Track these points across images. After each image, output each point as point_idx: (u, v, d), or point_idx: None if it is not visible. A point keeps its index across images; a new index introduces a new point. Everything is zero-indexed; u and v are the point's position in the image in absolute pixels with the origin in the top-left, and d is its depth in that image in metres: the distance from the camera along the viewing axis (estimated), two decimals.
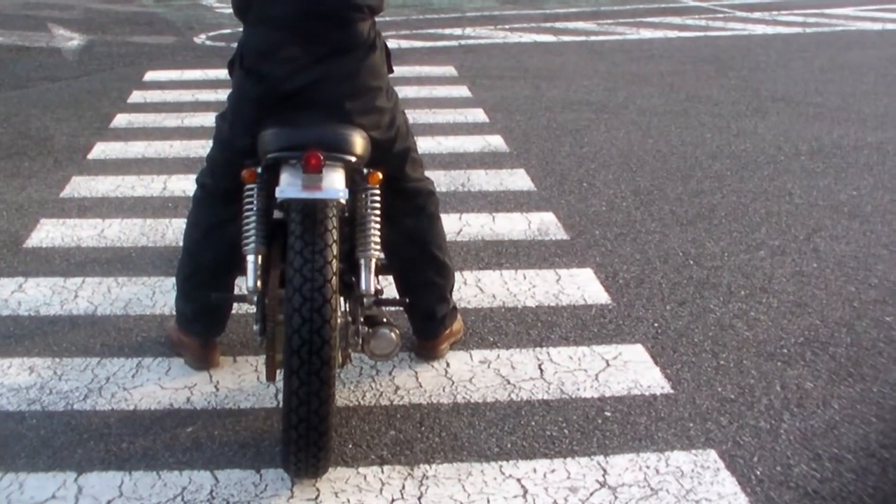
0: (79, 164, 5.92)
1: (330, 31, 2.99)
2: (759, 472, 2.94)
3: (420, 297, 3.45)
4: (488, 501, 2.82)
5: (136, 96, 7.61)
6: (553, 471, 2.96)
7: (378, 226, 3.00)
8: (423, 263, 3.42)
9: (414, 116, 6.75)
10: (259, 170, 2.93)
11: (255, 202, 2.93)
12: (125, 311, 4.00)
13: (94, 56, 9.23)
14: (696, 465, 2.97)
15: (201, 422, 3.24)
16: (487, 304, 4.03)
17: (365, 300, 2.97)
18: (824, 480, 2.91)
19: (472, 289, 4.17)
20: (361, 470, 2.98)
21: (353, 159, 2.87)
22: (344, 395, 3.36)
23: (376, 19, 3.15)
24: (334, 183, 2.77)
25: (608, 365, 3.56)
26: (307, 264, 2.66)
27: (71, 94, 7.69)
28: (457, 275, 4.25)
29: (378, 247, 2.99)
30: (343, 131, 2.91)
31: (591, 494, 2.84)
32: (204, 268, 3.35)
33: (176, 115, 7.00)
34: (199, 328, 3.49)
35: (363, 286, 2.95)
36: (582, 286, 4.19)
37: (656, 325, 3.86)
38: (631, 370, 3.52)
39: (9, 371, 3.54)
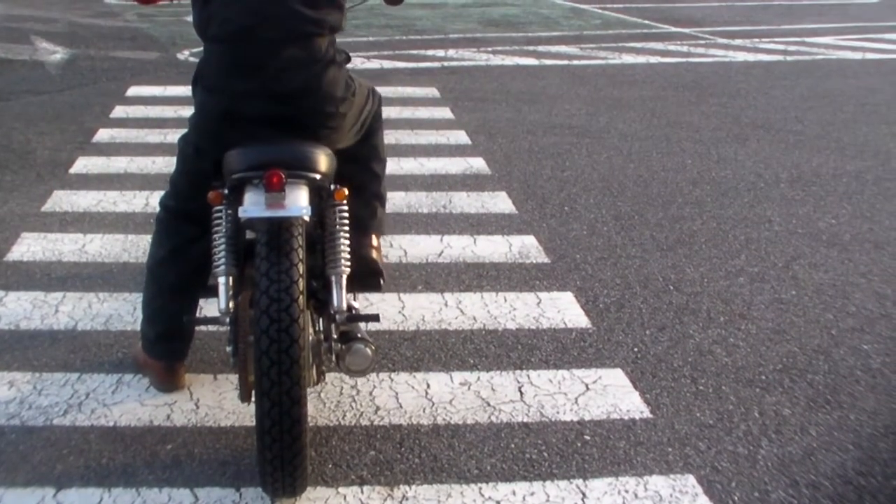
0: (61, 178, 5.91)
1: (288, 48, 2.99)
2: (736, 498, 2.96)
3: (365, 190, 3.47)
4: None
5: (119, 111, 7.61)
6: (532, 493, 2.97)
7: (347, 241, 3.01)
8: (369, 160, 3.47)
9: (396, 137, 6.80)
10: (225, 191, 2.94)
11: (223, 224, 2.94)
12: (106, 326, 4.00)
13: (77, 70, 9.22)
14: (675, 490, 2.99)
15: (181, 439, 3.24)
16: (468, 326, 4.04)
17: (337, 317, 2.97)
18: None
19: (452, 310, 4.18)
20: (341, 490, 2.98)
21: (318, 177, 2.89)
22: (324, 415, 3.37)
23: (338, 38, 3.17)
24: (297, 201, 2.78)
25: (588, 389, 3.58)
26: (273, 285, 2.66)
27: (54, 108, 7.67)
28: (437, 297, 4.29)
29: (348, 263, 3.00)
30: (306, 149, 2.93)
31: None
32: (167, 290, 3.36)
33: (158, 130, 7.00)
34: (163, 351, 3.48)
35: (335, 303, 2.95)
36: (562, 310, 4.22)
37: (636, 349, 3.89)
38: (610, 394, 3.54)
39: None
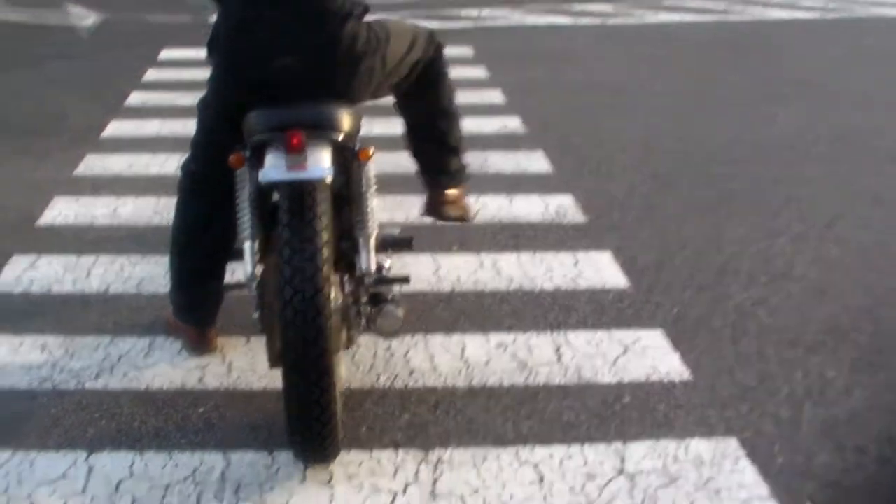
0: (93, 142, 5.88)
1: (304, 4, 2.90)
2: (780, 462, 2.88)
3: (432, 147, 3.44)
4: (504, 487, 2.77)
5: (151, 75, 7.57)
6: (570, 457, 2.91)
7: (375, 201, 2.96)
8: (433, 116, 3.40)
9: None
10: (247, 153, 2.84)
11: (246, 187, 2.86)
12: (138, 289, 3.97)
13: (109, 34, 9.19)
14: (717, 454, 2.91)
15: (213, 402, 3.20)
16: (504, 287, 3.98)
17: (366, 279, 2.93)
18: (846, 470, 2.85)
19: (488, 271, 4.11)
20: (375, 453, 2.93)
21: (340, 136, 2.79)
22: (358, 378, 3.32)
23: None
24: (320, 161, 2.69)
25: (626, 350, 3.50)
26: (296, 255, 2.58)
27: (86, 73, 7.65)
28: (473, 257, 4.23)
29: (376, 223, 2.95)
30: (328, 108, 2.83)
31: (609, 482, 2.79)
32: (193, 258, 3.31)
33: (191, 93, 6.92)
34: (193, 318, 3.46)
35: (363, 265, 2.90)
36: (600, 270, 4.14)
37: (675, 310, 3.80)
38: (649, 356, 3.46)
39: (20, 349, 3.51)
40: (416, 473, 2.84)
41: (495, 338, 3.59)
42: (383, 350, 3.49)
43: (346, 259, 2.98)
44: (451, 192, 3.54)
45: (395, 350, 3.49)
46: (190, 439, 3.01)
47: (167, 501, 2.74)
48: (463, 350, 3.50)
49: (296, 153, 2.65)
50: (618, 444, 2.96)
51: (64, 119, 6.36)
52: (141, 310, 3.81)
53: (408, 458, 2.91)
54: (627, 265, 4.19)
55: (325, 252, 2.61)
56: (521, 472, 2.84)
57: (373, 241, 2.94)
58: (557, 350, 3.50)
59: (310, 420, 2.64)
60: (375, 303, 3.01)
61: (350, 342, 3.03)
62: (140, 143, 5.86)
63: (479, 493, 2.75)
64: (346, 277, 3.05)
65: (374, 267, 2.92)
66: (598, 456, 2.91)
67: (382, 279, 3.02)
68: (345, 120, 2.83)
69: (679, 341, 3.56)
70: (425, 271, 4.08)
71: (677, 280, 4.06)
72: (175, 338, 3.55)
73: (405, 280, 3.08)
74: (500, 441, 2.99)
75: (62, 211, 4.78)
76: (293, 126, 2.68)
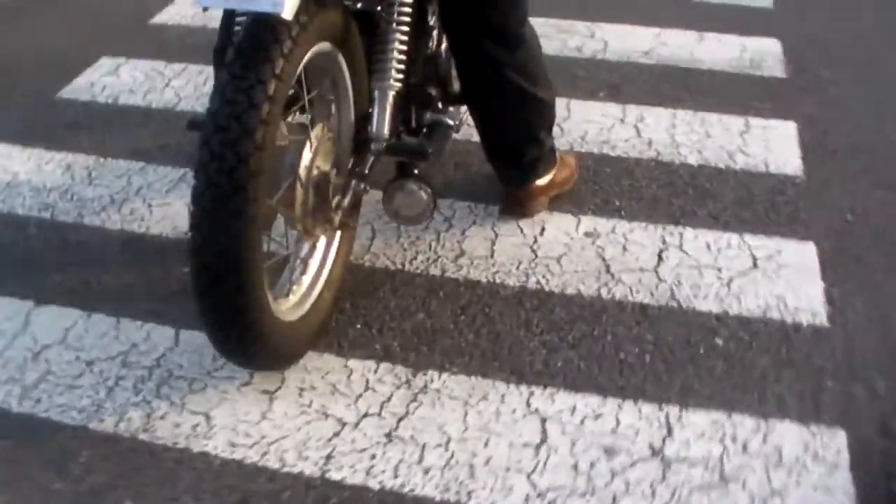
0: None
1: None
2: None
3: (500, 133, 2.60)
4: (486, 444, 2.01)
5: None
6: (598, 416, 2.08)
7: (403, 48, 2.22)
8: (500, 93, 2.51)
9: None
10: None
11: None
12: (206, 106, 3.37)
13: None
14: (810, 449, 1.99)
15: None
16: (636, 154, 3.07)
17: (373, 145, 2.19)
18: None
19: (627, 130, 3.21)
20: (351, 364, 2.24)
21: None
22: (389, 255, 2.60)
23: None
24: None
25: (754, 265, 2.56)
26: (232, 83, 1.81)
27: None
28: (615, 110, 3.33)
29: (400, 76, 2.22)
30: None
31: (632, 465, 1.96)
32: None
33: None
34: None
35: (373, 126, 2.21)
36: (772, 148, 3.11)
37: (849, 216, 2.77)
38: (783, 279, 2.50)
39: (45, 167, 3.03)
40: (386, 402, 2.12)
41: (589, 223, 2.74)
42: (440, 221, 2.74)
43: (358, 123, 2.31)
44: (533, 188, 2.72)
45: (454, 223, 2.74)
46: (151, 307, 2.43)
47: (79, 383, 2.20)
48: (539, 235, 2.69)
49: None
50: (672, 409, 2.10)
51: None
52: (195, 133, 3.22)
53: (387, 378, 2.19)
54: (812, 143, 3.14)
55: (271, 88, 1.83)
56: (520, 426, 2.05)
57: (390, 99, 2.24)
58: (660, 253, 2.61)
59: (220, 317, 1.94)
60: (399, 177, 2.35)
61: (330, 224, 2.29)
62: None
63: (449, 447, 2.01)
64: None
65: (385, 131, 2.24)
66: (635, 422, 2.07)
67: (394, 147, 2.30)
68: None
69: (835, 264, 2.56)
70: None
71: (871, 171, 2.99)
72: None
73: (422, 155, 2.33)
74: (518, 375, 2.20)
75: (181, 10, 4.22)
76: None
